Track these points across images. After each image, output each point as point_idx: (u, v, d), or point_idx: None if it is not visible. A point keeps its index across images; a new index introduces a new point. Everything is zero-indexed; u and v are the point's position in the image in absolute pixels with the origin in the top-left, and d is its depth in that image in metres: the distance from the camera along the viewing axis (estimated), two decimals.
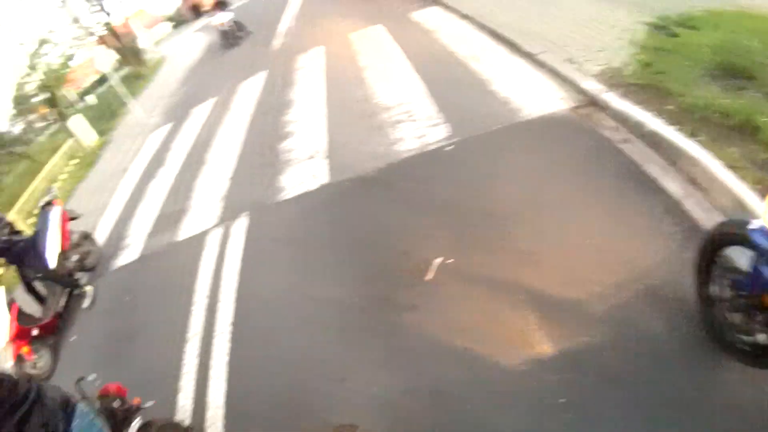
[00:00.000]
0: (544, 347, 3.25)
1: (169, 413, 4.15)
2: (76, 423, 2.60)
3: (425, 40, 9.48)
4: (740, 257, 2.69)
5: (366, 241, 4.95)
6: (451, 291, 3.96)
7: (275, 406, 3.82)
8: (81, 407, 2.72)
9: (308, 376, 3.90)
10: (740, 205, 3.53)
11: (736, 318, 2.68)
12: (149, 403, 3.45)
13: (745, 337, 2.63)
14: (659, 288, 3.31)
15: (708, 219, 3.64)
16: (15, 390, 2.44)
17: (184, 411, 4.21)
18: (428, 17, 10.84)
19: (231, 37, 18.61)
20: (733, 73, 4.86)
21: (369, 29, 11.68)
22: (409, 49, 9.26)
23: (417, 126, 6.47)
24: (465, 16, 9.79)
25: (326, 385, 3.74)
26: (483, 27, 8.80)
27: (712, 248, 2.79)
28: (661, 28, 6.28)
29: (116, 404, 3.17)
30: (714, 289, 2.84)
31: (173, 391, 4.43)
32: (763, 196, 3.37)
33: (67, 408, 2.64)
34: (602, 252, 3.73)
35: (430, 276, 4.15)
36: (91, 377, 3.24)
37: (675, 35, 5.95)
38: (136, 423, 3.17)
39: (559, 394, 2.96)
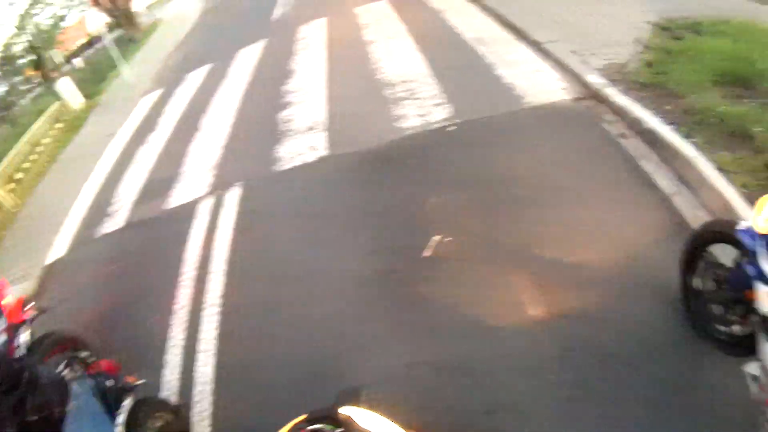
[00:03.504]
0: (543, 326, 3.36)
1: (154, 389, 4.00)
2: (72, 404, 2.50)
3: (431, 20, 9.43)
4: (724, 255, 2.84)
5: (367, 215, 4.93)
6: (455, 266, 4.02)
7: (270, 379, 3.74)
8: (76, 387, 2.63)
9: (306, 350, 3.85)
10: (727, 207, 3.65)
11: (717, 309, 2.85)
12: (140, 381, 3.34)
13: (723, 328, 2.80)
14: (649, 276, 3.45)
15: (695, 216, 3.78)
16: (9, 371, 2.33)
17: (169, 387, 4.08)
18: None
19: None
20: (733, 81, 4.99)
21: (373, 4, 11.57)
22: (414, 27, 9.22)
23: (420, 104, 6.47)
24: None
25: (325, 358, 3.71)
26: (490, 11, 8.81)
27: (699, 244, 2.93)
28: (667, 29, 6.39)
29: (109, 383, 3.06)
30: (697, 282, 3.01)
31: (158, 366, 4.30)
32: (749, 200, 3.54)
33: (62, 388, 2.54)
34: (597, 238, 3.85)
35: (428, 253, 4.20)
36: (83, 354, 3.15)
37: (680, 38, 6.06)
38: (129, 402, 3.07)
39: (557, 370, 3.08)
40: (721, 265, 2.84)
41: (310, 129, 6.99)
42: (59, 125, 15.07)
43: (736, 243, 2.52)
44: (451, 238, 4.27)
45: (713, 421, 2.63)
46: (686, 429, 2.66)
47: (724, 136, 4.35)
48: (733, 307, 2.69)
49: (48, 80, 27.84)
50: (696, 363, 2.94)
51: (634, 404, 2.81)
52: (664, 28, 6.45)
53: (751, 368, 2.33)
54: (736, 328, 2.70)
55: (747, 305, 2.50)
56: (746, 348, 2.44)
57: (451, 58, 7.46)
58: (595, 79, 5.62)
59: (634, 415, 2.77)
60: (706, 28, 6.17)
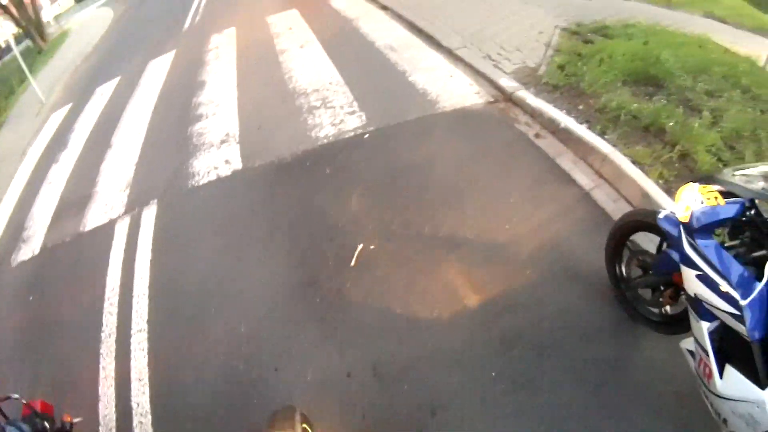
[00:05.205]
0: (478, 321, 3.44)
1: (93, 425, 3.84)
2: None
3: (343, 28, 9.43)
4: (647, 242, 3.07)
5: (286, 227, 4.88)
6: (379, 273, 4.03)
7: (207, 402, 3.67)
8: None
9: (239, 368, 3.79)
10: (644, 197, 3.87)
11: (646, 293, 3.04)
12: (78, 419, 3.18)
13: (654, 309, 2.99)
14: (577, 267, 3.60)
15: (615, 208, 3.97)
16: None
17: (108, 421, 3.91)
18: (347, 5, 10.72)
19: None
20: (643, 80, 5.29)
21: (284, 13, 11.41)
22: (326, 36, 9.19)
23: (333, 113, 6.44)
24: (384, 7, 9.82)
25: (259, 376, 3.66)
26: (402, 19, 8.87)
27: (622, 233, 3.09)
28: (576, 33, 6.68)
29: (45, 424, 2.88)
30: (624, 269, 3.20)
31: (93, 400, 4.09)
32: (666, 189, 3.80)
33: None
34: (521, 234, 3.98)
35: (353, 263, 4.20)
36: (14, 396, 2.93)
37: (589, 41, 6.33)
38: None
39: (496, 364, 3.16)
40: (645, 252, 3.02)
41: (224, 142, 6.85)
42: None
43: (657, 230, 2.66)
44: (374, 246, 4.30)
45: (656, 395, 2.79)
46: (630, 406, 2.78)
47: (638, 132, 4.58)
48: (662, 289, 2.86)
49: None
50: (632, 344, 3.09)
51: (575, 389, 2.92)
52: (574, 32, 6.73)
53: (687, 344, 2.48)
54: (667, 309, 2.89)
55: (675, 287, 2.70)
56: (679, 325, 2.65)
57: (364, 66, 7.50)
58: (507, 83, 5.77)
59: (577, 400, 2.88)
60: (614, 32, 6.48)
